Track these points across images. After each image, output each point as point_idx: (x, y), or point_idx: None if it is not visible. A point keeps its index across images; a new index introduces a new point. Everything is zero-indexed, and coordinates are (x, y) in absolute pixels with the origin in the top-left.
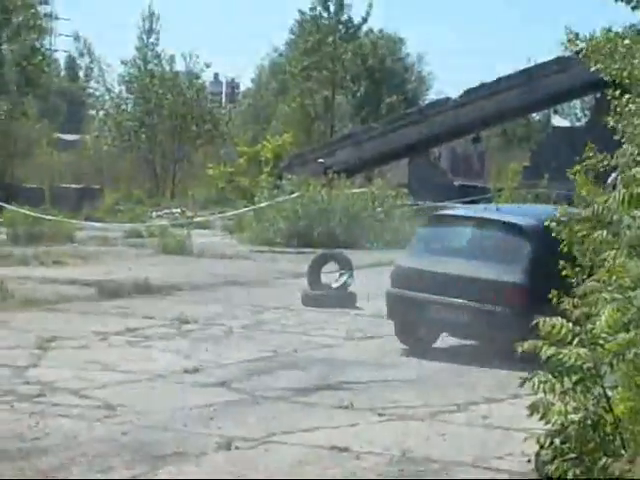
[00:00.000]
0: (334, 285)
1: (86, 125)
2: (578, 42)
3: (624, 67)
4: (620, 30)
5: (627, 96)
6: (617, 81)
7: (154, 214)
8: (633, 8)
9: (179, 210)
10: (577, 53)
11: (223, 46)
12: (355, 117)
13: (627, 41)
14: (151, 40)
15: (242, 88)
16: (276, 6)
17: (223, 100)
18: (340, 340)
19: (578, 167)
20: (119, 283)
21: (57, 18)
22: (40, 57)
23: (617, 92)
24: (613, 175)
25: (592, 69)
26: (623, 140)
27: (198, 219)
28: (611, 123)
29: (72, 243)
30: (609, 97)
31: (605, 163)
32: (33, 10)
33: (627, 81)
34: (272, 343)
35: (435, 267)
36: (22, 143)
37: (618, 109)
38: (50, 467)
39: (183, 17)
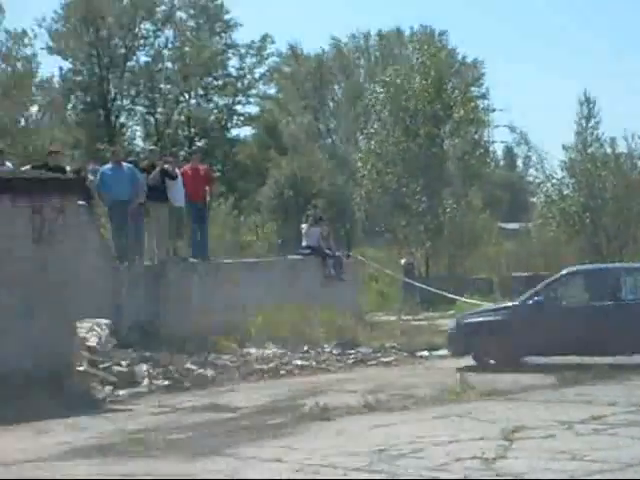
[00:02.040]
0: None
1: (527, 213)
2: None
3: None
4: None
5: None
6: None
7: None
8: None
9: None
10: None
11: None
12: None
13: None
14: (590, 124)
15: None
16: None
17: None
18: None
19: None
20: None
21: (494, 110)
22: (482, 150)
23: None
24: None
25: None
26: None
27: None
28: None
29: None
30: None
31: None
32: (473, 104)
33: None
34: None
35: None
36: (468, 234)
37: None
38: None
39: None
